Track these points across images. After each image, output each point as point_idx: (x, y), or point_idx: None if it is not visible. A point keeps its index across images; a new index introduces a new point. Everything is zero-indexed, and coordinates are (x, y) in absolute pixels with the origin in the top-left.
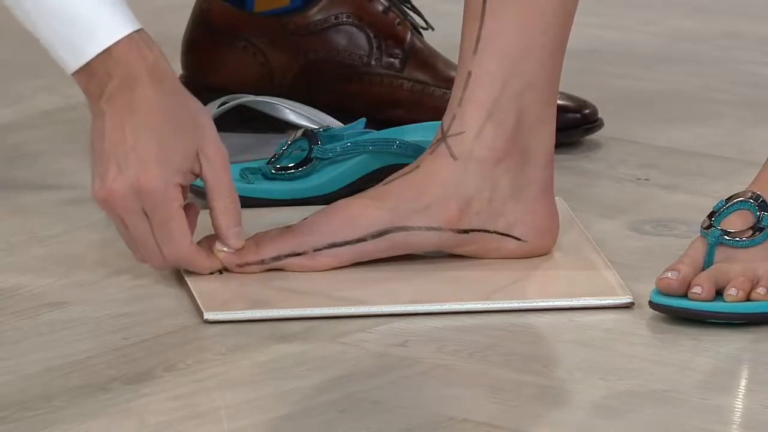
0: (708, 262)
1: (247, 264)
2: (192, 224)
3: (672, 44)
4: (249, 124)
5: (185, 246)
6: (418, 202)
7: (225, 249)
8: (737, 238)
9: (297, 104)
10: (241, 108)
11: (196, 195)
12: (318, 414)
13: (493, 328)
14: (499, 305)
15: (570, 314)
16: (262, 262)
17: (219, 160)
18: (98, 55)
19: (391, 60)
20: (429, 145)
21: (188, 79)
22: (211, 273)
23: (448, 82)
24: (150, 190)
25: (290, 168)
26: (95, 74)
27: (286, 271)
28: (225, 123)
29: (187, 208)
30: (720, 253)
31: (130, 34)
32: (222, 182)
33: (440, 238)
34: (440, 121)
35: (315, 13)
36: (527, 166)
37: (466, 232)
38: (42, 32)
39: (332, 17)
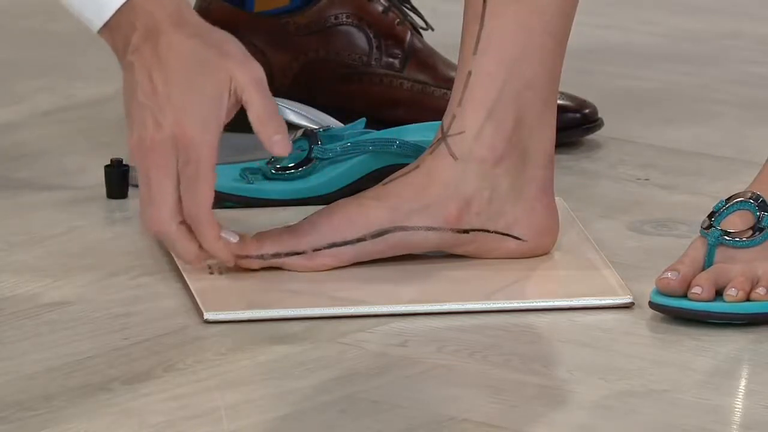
0: (708, 263)
1: (248, 257)
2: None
3: (672, 44)
4: (249, 124)
5: (207, 205)
6: (418, 202)
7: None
8: (737, 239)
9: (297, 104)
10: (241, 108)
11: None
12: (318, 414)
13: (493, 328)
14: (499, 305)
15: (570, 314)
16: (262, 257)
17: (250, 83)
18: (120, 8)
19: (391, 60)
20: (429, 145)
21: None
22: (211, 273)
23: (448, 82)
24: (187, 141)
25: (290, 168)
26: (119, 28)
27: (286, 270)
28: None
29: None
30: (720, 253)
31: None
32: (255, 102)
33: (440, 238)
34: (440, 121)
35: (315, 13)
36: (527, 166)
37: (465, 231)
38: None
39: (332, 17)
